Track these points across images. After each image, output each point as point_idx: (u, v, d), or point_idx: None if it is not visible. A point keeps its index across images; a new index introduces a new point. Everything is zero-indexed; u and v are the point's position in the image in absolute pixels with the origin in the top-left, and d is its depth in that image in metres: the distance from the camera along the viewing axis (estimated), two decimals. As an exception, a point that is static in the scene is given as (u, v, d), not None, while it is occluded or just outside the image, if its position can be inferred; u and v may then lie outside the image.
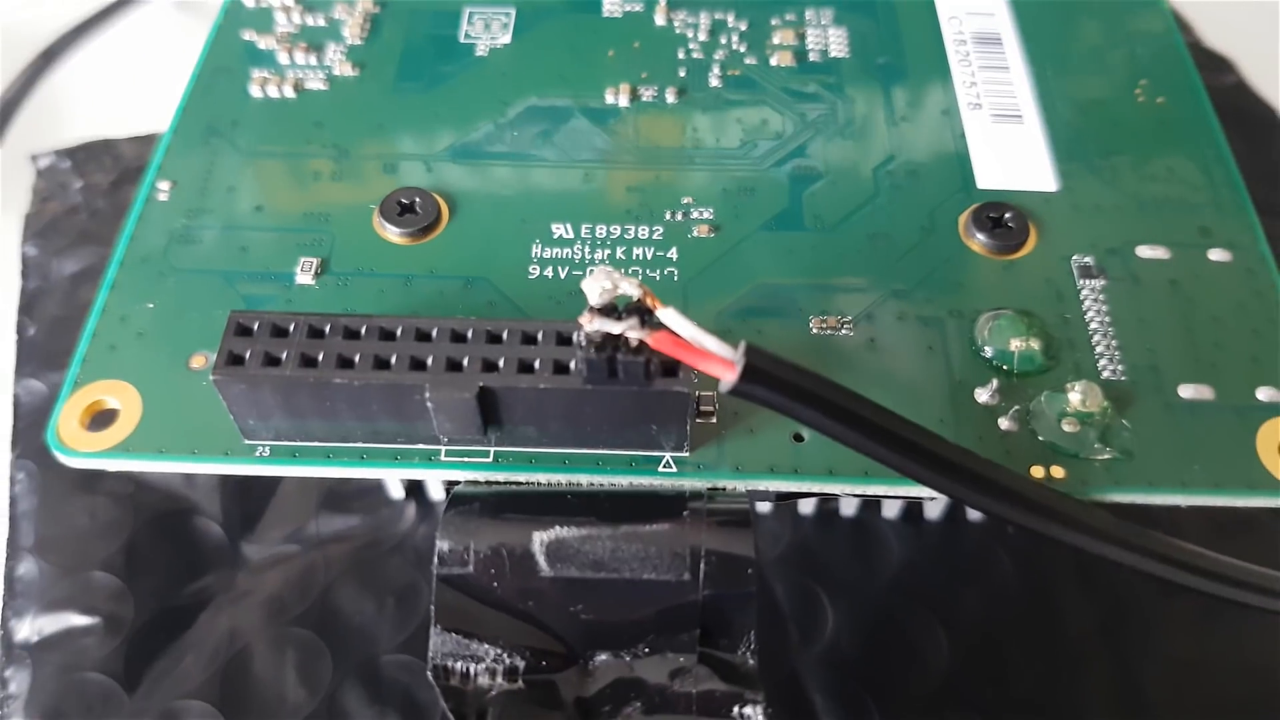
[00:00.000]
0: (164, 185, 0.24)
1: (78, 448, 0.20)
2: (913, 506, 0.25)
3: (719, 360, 0.17)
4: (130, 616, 0.24)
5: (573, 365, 0.18)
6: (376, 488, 0.26)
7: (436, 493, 0.25)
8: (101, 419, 0.21)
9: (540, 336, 0.19)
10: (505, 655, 0.18)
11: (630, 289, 0.17)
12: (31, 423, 0.27)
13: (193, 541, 0.26)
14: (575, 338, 0.18)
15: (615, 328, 0.17)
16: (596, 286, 0.17)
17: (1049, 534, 0.18)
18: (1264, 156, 0.31)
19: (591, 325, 0.17)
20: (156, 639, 0.24)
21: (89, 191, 0.32)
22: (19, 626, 0.24)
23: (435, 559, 0.18)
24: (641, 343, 0.18)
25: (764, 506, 0.25)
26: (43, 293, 0.30)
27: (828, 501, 0.25)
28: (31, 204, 0.32)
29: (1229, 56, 0.35)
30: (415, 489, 0.26)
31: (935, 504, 0.25)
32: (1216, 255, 0.23)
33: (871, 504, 0.25)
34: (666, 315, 0.17)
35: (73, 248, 0.31)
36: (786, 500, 0.24)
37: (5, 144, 0.33)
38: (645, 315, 0.18)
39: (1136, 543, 0.19)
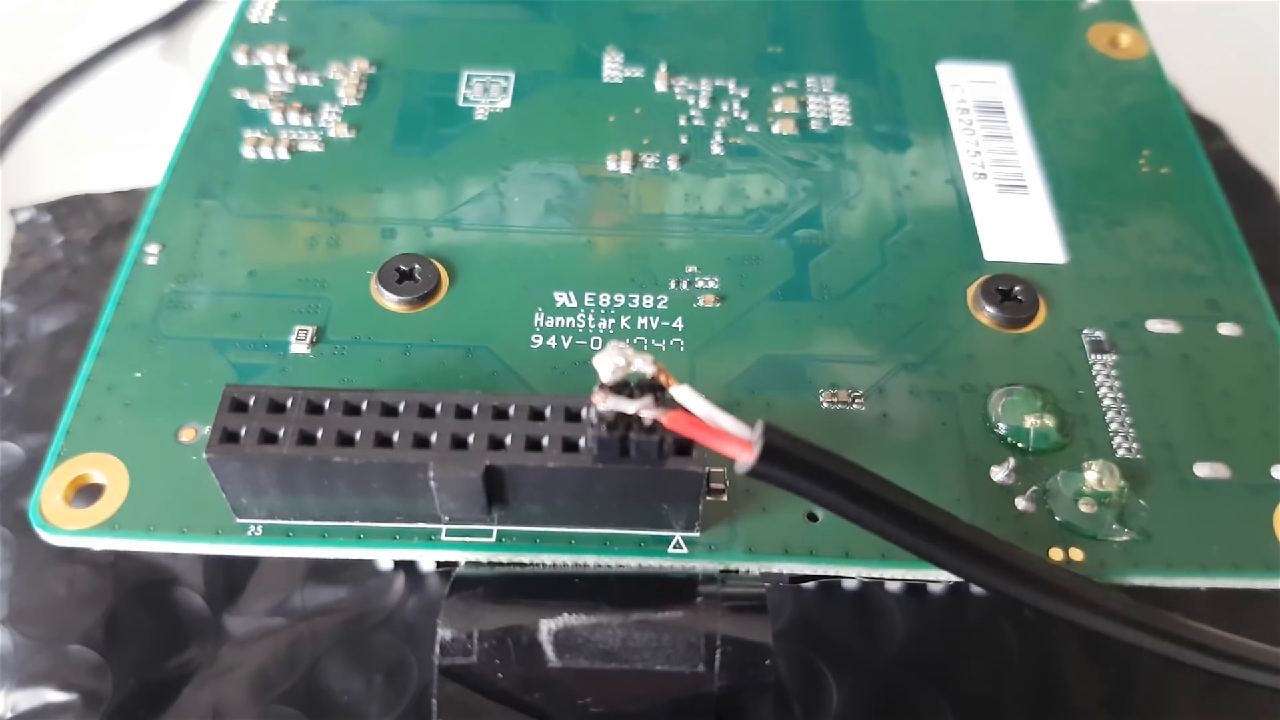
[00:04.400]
0: (153, 249, 0.24)
1: (61, 525, 0.19)
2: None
3: (736, 441, 0.17)
4: (109, 692, 0.23)
5: (582, 443, 0.18)
6: (363, 558, 0.25)
7: (427, 564, 0.25)
8: (86, 494, 0.20)
9: (548, 412, 0.18)
10: (510, 750, 0.18)
11: (644, 366, 0.17)
12: (7, 487, 0.26)
13: (174, 613, 0.25)
14: (585, 415, 0.18)
15: (629, 406, 0.17)
16: (609, 363, 0.17)
17: (1075, 621, 0.18)
18: (1255, 222, 0.31)
19: (605, 404, 0.17)
20: (136, 716, 0.23)
21: (70, 247, 0.32)
22: (-8, 703, 0.23)
23: (437, 648, 0.18)
24: (655, 421, 0.17)
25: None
26: (21, 351, 0.29)
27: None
28: (10, 259, 0.32)
29: (1218, 122, 0.35)
30: (405, 560, 0.25)
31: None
32: (1226, 329, 0.23)
33: (874, 576, 0.24)
34: (681, 393, 0.17)
35: (53, 305, 0.30)
36: (799, 583, 0.23)
37: (-16, 197, 0.33)
38: (659, 393, 0.17)
39: (1160, 628, 0.18)
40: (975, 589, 0.24)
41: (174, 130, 0.26)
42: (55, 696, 0.23)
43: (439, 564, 0.24)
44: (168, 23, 0.38)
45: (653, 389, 0.17)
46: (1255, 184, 0.34)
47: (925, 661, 0.24)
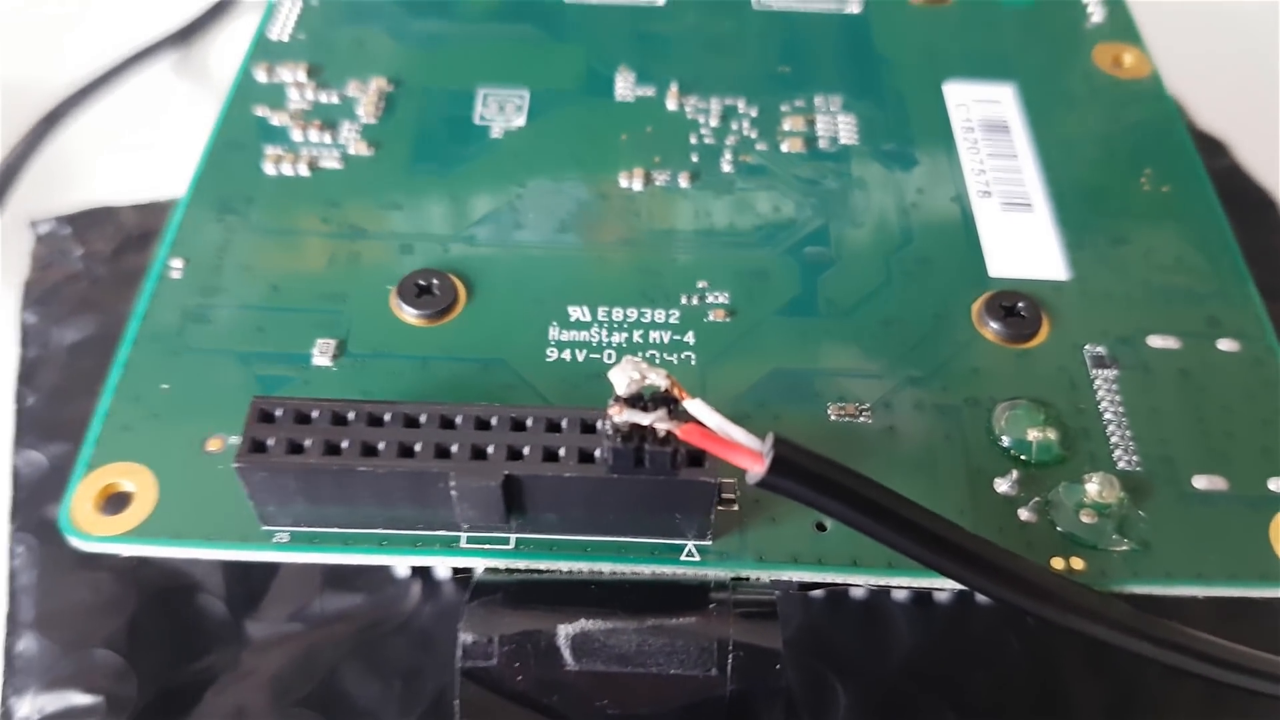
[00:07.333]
0: (177, 263, 0.24)
1: (92, 531, 0.20)
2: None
3: (747, 452, 0.17)
4: (134, 696, 0.24)
5: (598, 454, 0.18)
6: (381, 565, 0.25)
7: (442, 571, 0.25)
8: (115, 502, 0.20)
9: (565, 424, 0.19)
10: (529, 752, 0.18)
11: (658, 379, 0.17)
12: (30, 494, 0.27)
13: (196, 618, 0.25)
14: (601, 426, 0.18)
15: (644, 419, 0.17)
16: (624, 377, 0.17)
17: (1076, 629, 0.18)
18: (1258, 239, 0.31)
19: (621, 416, 0.17)
20: (161, 719, 0.24)
21: (90, 259, 0.32)
22: (19, 705, 0.24)
23: (459, 651, 0.18)
24: (669, 433, 0.18)
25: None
26: (42, 361, 0.30)
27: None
28: (31, 270, 0.32)
29: (1223, 139, 0.35)
30: (421, 567, 0.25)
31: (945, 586, 0.25)
32: (1225, 345, 0.23)
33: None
34: (694, 406, 0.17)
35: (73, 316, 0.31)
36: (808, 590, 0.24)
37: (6, 209, 0.33)
38: (672, 406, 0.18)
39: (1160, 636, 0.19)
40: (980, 598, 0.25)
41: (193, 144, 0.27)
42: (81, 700, 0.24)
43: (455, 571, 0.24)
44: (184, 36, 0.39)
45: (666, 402, 0.18)
46: (1259, 201, 0.34)
47: (930, 671, 0.24)
